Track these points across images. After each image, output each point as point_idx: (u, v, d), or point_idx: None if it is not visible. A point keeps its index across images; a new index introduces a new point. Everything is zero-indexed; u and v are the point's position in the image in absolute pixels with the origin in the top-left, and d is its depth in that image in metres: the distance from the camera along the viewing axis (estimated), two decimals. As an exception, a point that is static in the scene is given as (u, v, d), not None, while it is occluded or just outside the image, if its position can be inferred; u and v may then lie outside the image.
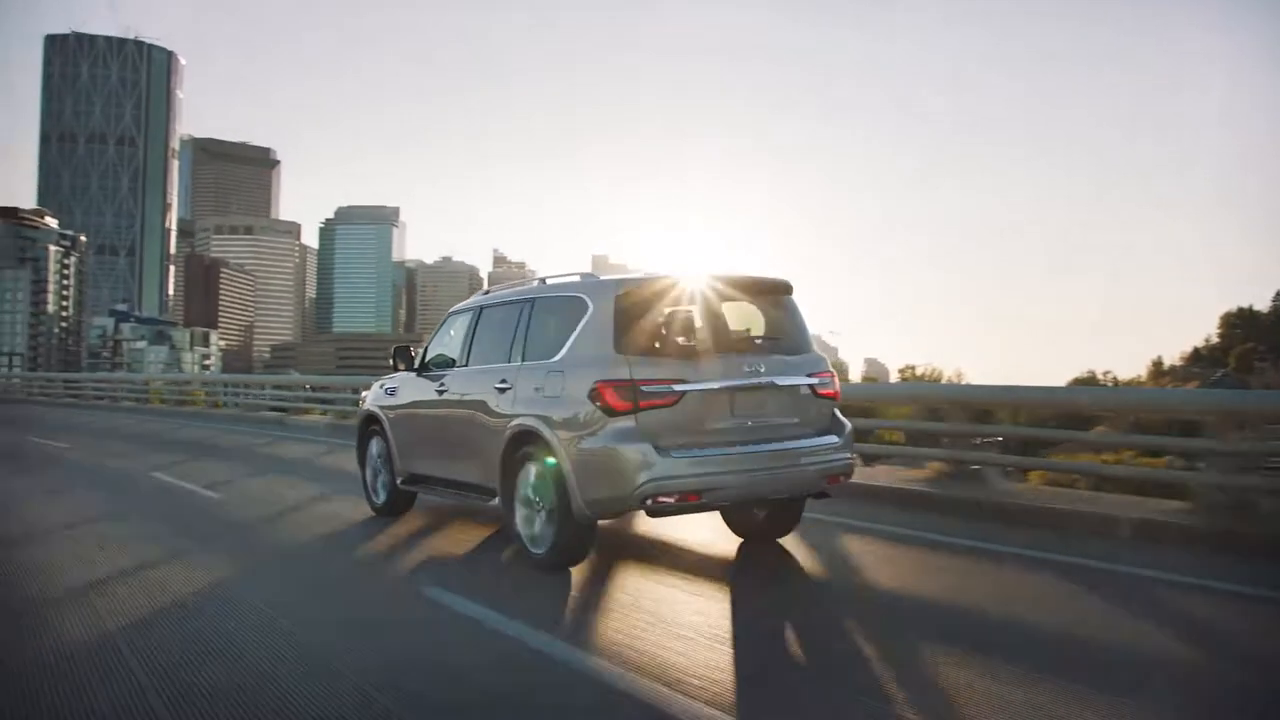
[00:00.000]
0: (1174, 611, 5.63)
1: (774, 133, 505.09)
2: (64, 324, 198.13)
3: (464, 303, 8.23)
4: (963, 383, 34.92)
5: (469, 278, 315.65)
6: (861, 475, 9.10)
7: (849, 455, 6.68)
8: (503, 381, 6.89)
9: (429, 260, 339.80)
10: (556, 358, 6.52)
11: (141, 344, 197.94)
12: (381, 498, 8.67)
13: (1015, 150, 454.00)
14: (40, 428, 21.28)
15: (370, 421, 8.85)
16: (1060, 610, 5.63)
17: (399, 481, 8.34)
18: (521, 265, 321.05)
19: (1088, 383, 54.39)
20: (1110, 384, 56.98)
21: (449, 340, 8.06)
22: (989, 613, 5.51)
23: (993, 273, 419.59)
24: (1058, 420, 11.15)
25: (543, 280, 7.43)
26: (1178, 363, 78.29)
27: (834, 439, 6.59)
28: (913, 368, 62.64)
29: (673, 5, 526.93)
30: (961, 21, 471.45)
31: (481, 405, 7.09)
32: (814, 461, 6.42)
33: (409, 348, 8.51)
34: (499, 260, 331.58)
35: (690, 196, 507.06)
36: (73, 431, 20.15)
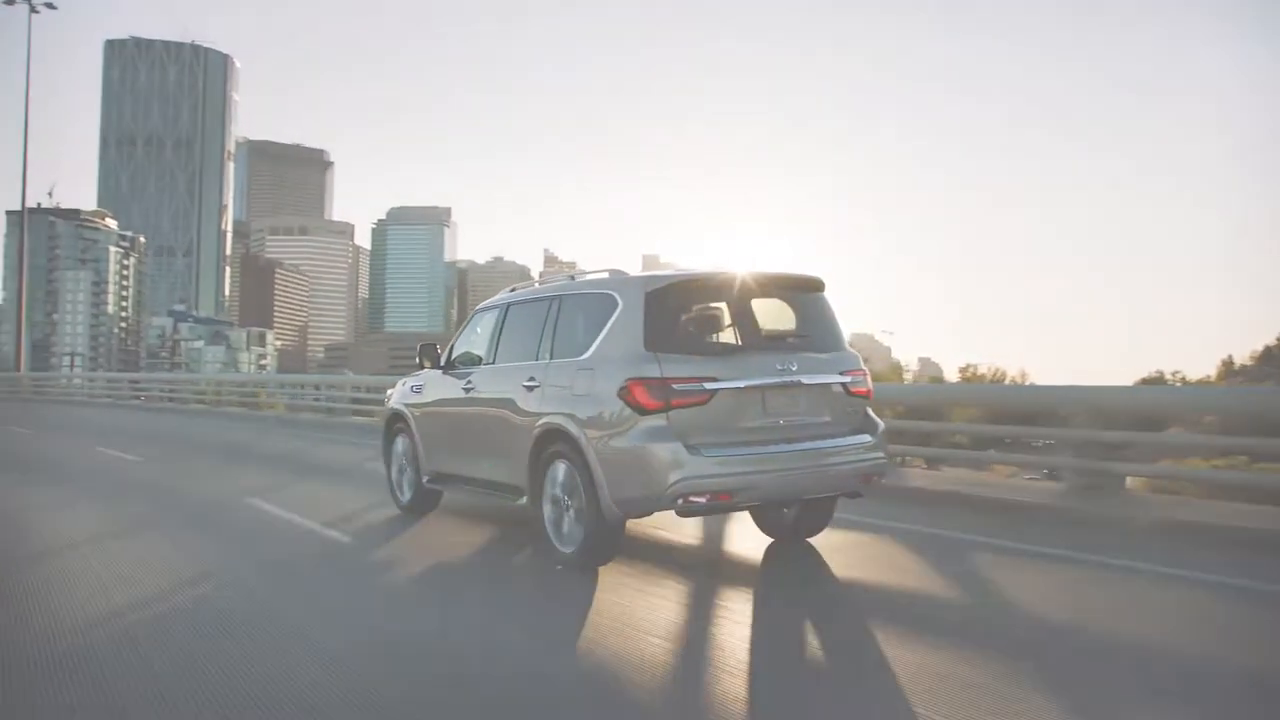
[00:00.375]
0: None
1: (827, 132, 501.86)
2: (123, 324, 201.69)
3: (491, 300, 8.17)
4: (1029, 383, 34.10)
5: (520, 278, 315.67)
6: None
7: (882, 454, 6.53)
8: (531, 379, 6.82)
9: (480, 260, 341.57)
10: (586, 355, 6.44)
11: (199, 344, 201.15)
12: (407, 496, 8.65)
13: (1076, 148, 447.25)
14: (107, 435, 19.12)
15: (396, 419, 8.81)
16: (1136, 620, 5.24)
17: (425, 480, 8.32)
18: (572, 265, 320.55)
19: (1155, 383, 53.00)
20: (1179, 384, 55.33)
21: (475, 338, 8.00)
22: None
23: (1053, 271, 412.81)
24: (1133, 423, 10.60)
25: (571, 277, 7.34)
26: (1248, 362, 76.13)
27: (867, 438, 6.46)
28: (974, 367, 61.10)
29: (726, 7, 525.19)
30: (1026, 12, 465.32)
31: (509, 403, 7.02)
32: (846, 461, 6.30)
33: (435, 345, 8.48)
34: (550, 260, 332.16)
35: (742, 196, 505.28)
36: (143, 440, 18.10)
